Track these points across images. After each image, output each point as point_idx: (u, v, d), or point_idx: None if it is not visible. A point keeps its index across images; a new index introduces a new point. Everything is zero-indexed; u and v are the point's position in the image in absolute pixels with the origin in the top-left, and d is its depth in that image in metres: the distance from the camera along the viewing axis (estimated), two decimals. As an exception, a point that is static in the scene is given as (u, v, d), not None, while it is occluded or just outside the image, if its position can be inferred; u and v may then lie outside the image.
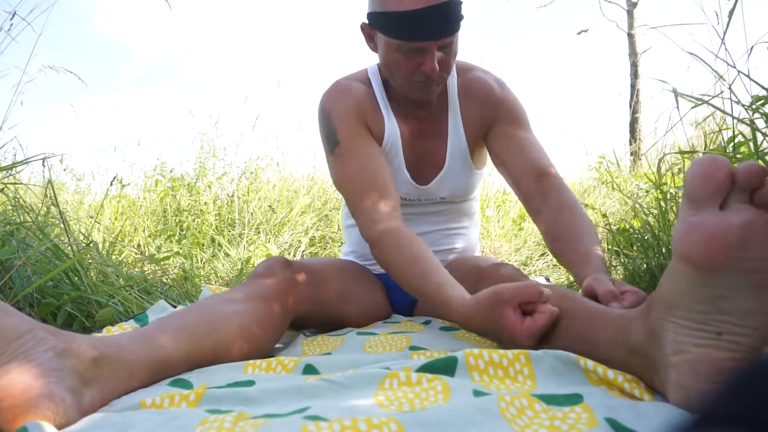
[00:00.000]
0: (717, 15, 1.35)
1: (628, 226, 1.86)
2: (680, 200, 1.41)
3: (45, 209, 1.58)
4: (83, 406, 0.56)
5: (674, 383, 0.52)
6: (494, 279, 0.94)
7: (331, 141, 1.04)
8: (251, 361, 0.73)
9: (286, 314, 0.90)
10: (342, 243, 2.88)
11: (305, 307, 0.96)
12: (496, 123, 1.08)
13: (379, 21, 0.95)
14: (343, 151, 1.03)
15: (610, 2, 5.23)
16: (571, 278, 2.09)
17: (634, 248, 1.71)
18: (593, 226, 0.95)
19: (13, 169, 1.65)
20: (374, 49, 1.04)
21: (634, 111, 4.73)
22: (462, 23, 0.95)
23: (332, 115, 1.05)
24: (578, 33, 4.91)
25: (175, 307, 1.16)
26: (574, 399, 0.56)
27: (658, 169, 1.65)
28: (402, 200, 1.11)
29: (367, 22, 1.01)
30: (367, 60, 1.16)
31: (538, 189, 1.01)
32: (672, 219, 1.42)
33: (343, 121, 1.04)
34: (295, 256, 2.75)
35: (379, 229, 0.95)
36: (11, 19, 1.69)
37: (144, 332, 0.69)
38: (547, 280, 1.68)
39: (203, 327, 0.74)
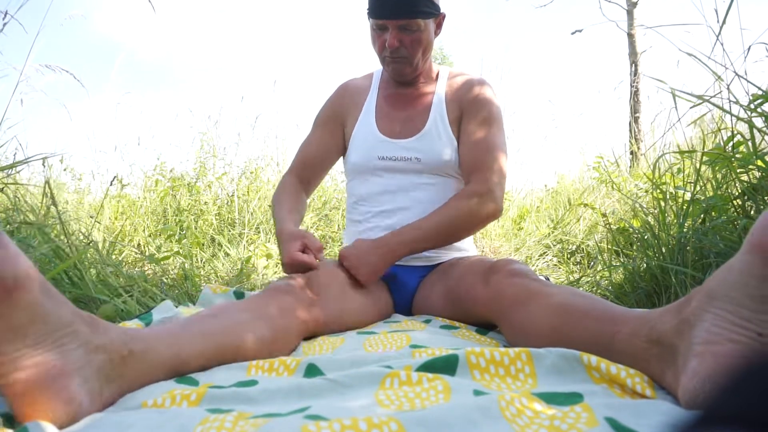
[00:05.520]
0: (716, 13, 1.35)
1: (627, 226, 1.86)
2: (680, 200, 1.41)
3: (45, 209, 1.58)
4: (98, 405, 0.56)
5: (691, 371, 0.52)
6: (505, 273, 0.96)
7: (315, 119, 1.40)
8: (255, 363, 0.74)
9: (300, 333, 0.94)
10: (341, 243, 2.88)
11: (317, 327, 1.00)
12: (465, 114, 1.25)
13: (367, 5, 1.20)
14: (312, 129, 1.39)
15: (610, 2, 5.23)
16: (571, 278, 2.09)
17: (634, 248, 1.71)
18: (447, 219, 1.15)
19: (13, 168, 1.65)
20: None
21: (634, 111, 4.73)
22: (428, 16, 1.17)
23: (324, 103, 1.39)
24: (572, 33, 4.89)
25: (176, 307, 1.16)
26: (574, 398, 0.56)
27: (656, 168, 1.65)
28: (382, 159, 1.26)
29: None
30: (363, 58, 1.30)
31: (466, 180, 1.23)
32: (671, 219, 1.42)
33: (322, 110, 1.39)
34: (294, 255, 2.75)
35: (281, 181, 1.34)
36: (3, 19, 1.69)
37: (168, 330, 0.71)
38: (547, 279, 1.68)
39: (225, 339, 0.76)
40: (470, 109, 1.24)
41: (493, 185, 1.17)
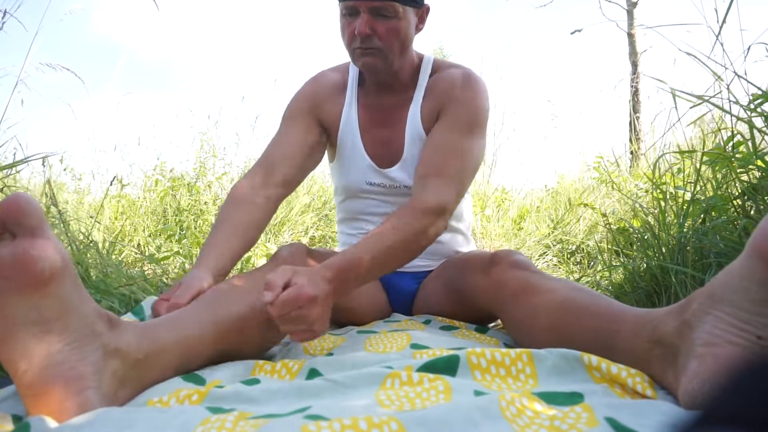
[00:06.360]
0: (716, 13, 1.35)
1: (627, 226, 1.86)
2: (680, 200, 1.41)
3: (45, 209, 1.58)
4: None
5: (692, 373, 0.52)
6: (506, 264, 0.96)
7: (282, 115, 1.18)
8: (259, 365, 0.74)
9: None
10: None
11: None
12: (440, 115, 1.09)
13: None
14: (281, 125, 1.17)
15: (610, 2, 5.22)
16: (571, 278, 2.09)
17: (634, 248, 1.71)
18: (392, 249, 0.90)
19: (13, 168, 1.65)
20: None
21: (634, 110, 4.72)
22: (407, 2, 1.01)
23: (293, 97, 1.19)
24: (572, 33, 4.89)
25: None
26: (574, 398, 0.56)
27: (656, 168, 1.65)
28: (370, 185, 1.16)
29: None
30: None
31: (416, 186, 1.02)
32: (671, 219, 1.42)
33: (295, 103, 1.17)
34: (295, 255, 2.74)
35: (234, 186, 1.08)
36: (2, 17, 1.69)
37: (180, 328, 0.70)
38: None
39: (230, 324, 0.76)
40: (445, 111, 1.08)
41: (449, 200, 0.98)
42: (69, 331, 0.53)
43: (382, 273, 0.93)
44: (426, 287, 1.20)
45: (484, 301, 0.99)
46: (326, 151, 1.25)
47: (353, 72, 1.18)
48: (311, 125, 1.15)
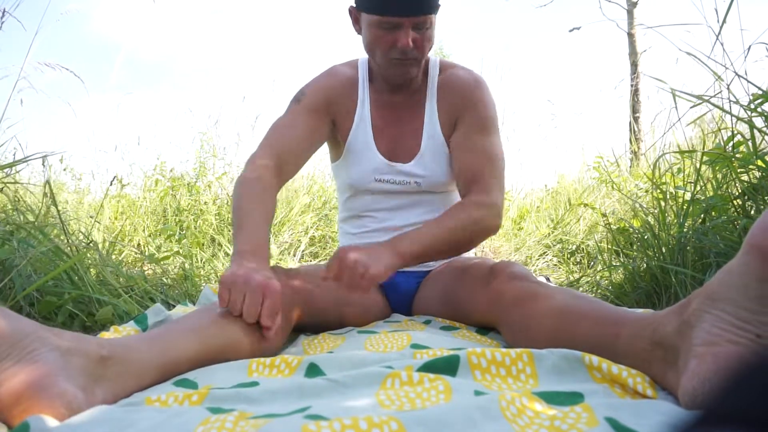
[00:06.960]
0: (716, 12, 1.35)
1: (627, 226, 1.86)
2: (680, 200, 1.41)
3: (45, 209, 1.58)
4: (94, 403, 0.56)
5: (691, 372, 0.52)
6: (505, 276, 0.96)
7: (295, 99, 1.17)
8: (256, 359, 0.74)
9: (288, 321, 0.93)
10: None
11: (303, 316, 0.99)
12: (460, 119, 1.15)
13: (363, 1, 1.06)
14: (293, 110, 1.15)
15: (610, 1, 5.22)
16: (571, 278, 2.09)
17: (634, 248, 1.71)
18: (452, 231, 1.02)
19: (13, 168, 1.65)
20: (359, 31, 1.14)
21: (634, 110, 4.72)
22: (437, 11, 1.06)
23: (309, 86, 1.18)
24: (570, 30, 4.89)
25: (172, 308, 1.16)
26: (574, 398, 0.56)
27: (656, 168, 1.66)
28: (379, 181, 1.18)
29: (354, 5, 1.11)
30: (358, 52, 1.22)
31: (464, 191, 1.12)
32: (671, 219, 1.42)
33: (312, 94, 1.16)
34: (295, 255, 2.75)
35: (245, 171, 1.06)
36: (2, 17, 1.69)
37: (153, 333, 0.72)
38: (548, 279, 1.68)
39: (212, 329, 0.76)
40: (465, 115, 1.14)
41: (496, 199, 1.08)
42: (11, 346, 0.54)
43: (437, 258, 1.08)
44: (425, 289, 1.20)
45: (483, 312, 0.99)
46: (329, 152, 1.26)
47: (363, 69, 1.21)
48: (322, 122, 1.16)
